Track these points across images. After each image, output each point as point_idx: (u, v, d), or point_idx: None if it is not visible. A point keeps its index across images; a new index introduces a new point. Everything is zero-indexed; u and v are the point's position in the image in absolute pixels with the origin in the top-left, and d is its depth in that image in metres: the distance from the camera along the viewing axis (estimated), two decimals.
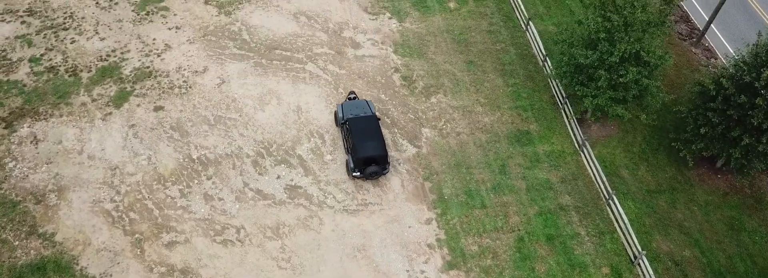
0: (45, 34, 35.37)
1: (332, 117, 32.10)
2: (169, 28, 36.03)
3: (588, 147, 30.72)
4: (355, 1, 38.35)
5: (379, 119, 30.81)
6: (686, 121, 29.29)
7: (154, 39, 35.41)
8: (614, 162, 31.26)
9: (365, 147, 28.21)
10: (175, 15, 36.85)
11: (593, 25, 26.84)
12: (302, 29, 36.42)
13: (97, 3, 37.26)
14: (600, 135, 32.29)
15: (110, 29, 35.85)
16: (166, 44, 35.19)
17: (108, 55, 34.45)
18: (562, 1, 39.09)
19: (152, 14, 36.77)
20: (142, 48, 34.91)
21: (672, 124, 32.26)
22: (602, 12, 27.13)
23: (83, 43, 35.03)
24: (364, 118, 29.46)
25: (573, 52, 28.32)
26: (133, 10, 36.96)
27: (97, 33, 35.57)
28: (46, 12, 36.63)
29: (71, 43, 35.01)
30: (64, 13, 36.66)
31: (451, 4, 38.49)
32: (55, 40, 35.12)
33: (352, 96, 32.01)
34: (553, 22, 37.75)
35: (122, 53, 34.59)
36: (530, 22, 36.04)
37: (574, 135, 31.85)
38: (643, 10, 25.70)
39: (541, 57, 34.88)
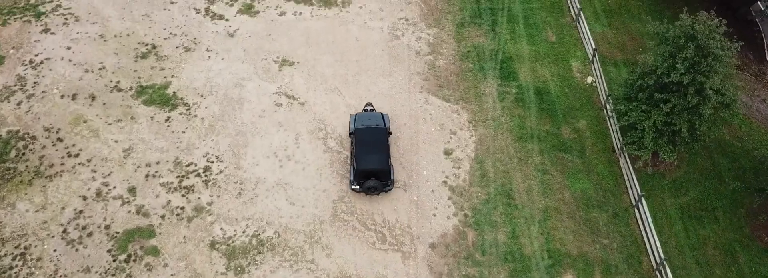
0: None
1: None
2: None
3: None
4: (426, 261, 26.30)
5: (390, 133, 29.53)
6: None
7: None
8: None
9: (366, 160, 27.38)
10: (164, 265, 25.63)
11: None
12: None
13: (64, 232, 26.45)
14: None
15: None
16: None
17: None
18: None
19: (134, 261, 25.68)
20: None
21: None
22: None
23: None
24: (373, 129, 28.62)
25: None
26: (108, 251, 25.91)
27: None
28: None
29: None
30: (16, 246, 26.01)
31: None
32: None
33: (369, 107, 30.56)
34: None
35: None
36: None
37: None
38: None
39: None
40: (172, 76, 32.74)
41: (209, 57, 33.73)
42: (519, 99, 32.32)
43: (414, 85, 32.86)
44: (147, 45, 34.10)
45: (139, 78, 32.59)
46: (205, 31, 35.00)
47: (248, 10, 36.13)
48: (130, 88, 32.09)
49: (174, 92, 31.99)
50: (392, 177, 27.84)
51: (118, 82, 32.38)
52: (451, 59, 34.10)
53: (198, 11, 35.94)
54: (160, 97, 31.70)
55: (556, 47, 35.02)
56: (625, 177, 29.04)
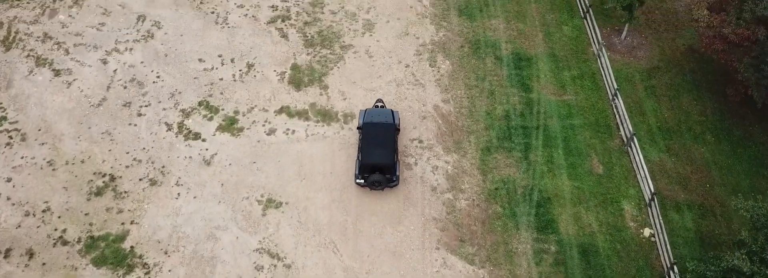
0: None
1: None
2: None
3: None
4: None
5: (398, 130, 29.33)
6: None
7: None
8: None
9: (372, 154, 27.31)
10: None
11: None
12: None
13: None
14: None
15: None
16: None
17: None
18: None
19: None
20: None
21: None
22: None
23: None
24: (381, 124, 28.49)
25: None
26: None
27: None
28: None
29: None
30: None
31: None
32: None
33: (380, 104, 30.36)
34: None
35: None
36: None
37: None
38: None
39: None
40: (132, 222, 26.63)
41: (179, 194, 27.60)
42: (559, 261, 25.91)
43: (429, 237, 26.56)
44: (104, 176, 28.03)
45: (91, 224, 26.50)
46: (176, 155, 28.89)
47: (230, 126, 29.97)
48: (79, 240, 26.01)
49: (132, 246, 25.88)
50: (397, 173, 27.71)
51: (65, 230, 26.32)
52: (474, 199, 27.78)
53: (169, 127, 29.81)
54: (113, 254, 25.60)
55: (604, 183, 28.60)
56: None
